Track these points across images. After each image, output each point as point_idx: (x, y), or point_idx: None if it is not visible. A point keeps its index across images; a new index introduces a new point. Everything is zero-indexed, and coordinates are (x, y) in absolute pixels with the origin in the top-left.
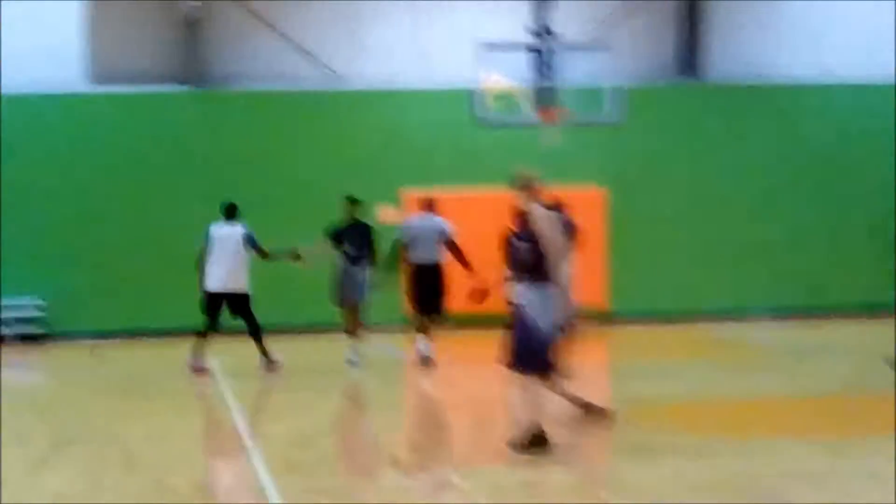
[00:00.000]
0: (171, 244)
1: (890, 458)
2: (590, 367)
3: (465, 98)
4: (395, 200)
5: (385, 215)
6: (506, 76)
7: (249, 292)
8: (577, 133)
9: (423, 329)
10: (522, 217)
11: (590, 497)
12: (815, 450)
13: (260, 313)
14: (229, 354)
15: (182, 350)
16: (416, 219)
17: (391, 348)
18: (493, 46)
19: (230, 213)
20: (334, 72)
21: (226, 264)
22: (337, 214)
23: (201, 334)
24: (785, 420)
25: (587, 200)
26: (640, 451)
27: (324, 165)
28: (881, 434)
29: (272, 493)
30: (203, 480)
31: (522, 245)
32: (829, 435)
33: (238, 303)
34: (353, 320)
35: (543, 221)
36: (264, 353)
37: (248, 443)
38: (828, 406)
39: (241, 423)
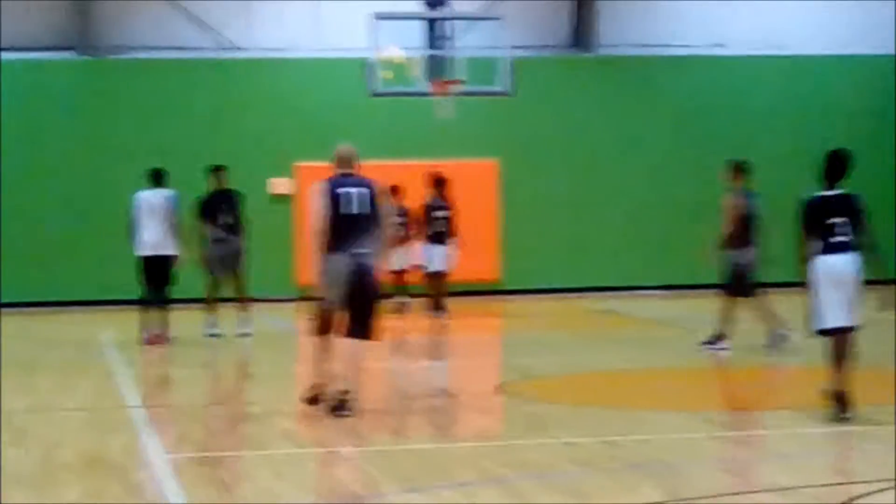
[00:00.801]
0: (61, 214)
1: (768, 429)
2: (480, 340)
3: (359, 68)
4: (288, 172)
5: (277, 187)
6: (399, 46)
7: (177, 255)
8: (469, 104)
9: None
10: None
11: (479, 469)
12: (697, 420)
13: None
14: (118, 327)
15: (72, 323)
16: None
17: (279, 320)
18: (386, 16)
19: (157, 179)
20: (227, 40)
21: (154, 230)
22: (231, 184)
23: (144, 304)
24: (671, 392)
25: (480, 172)
26: (528, 423)
27: (215, 135)
28: (763, 407)
29: (163, 466)
30: (93, 454)
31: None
32: (711, 406)
33: (163, 266)
34: (234, 290)
35: (314, 195)
36: (164, 324)
37: (138, 415)
38: (712, 378)
39: (131, 396)
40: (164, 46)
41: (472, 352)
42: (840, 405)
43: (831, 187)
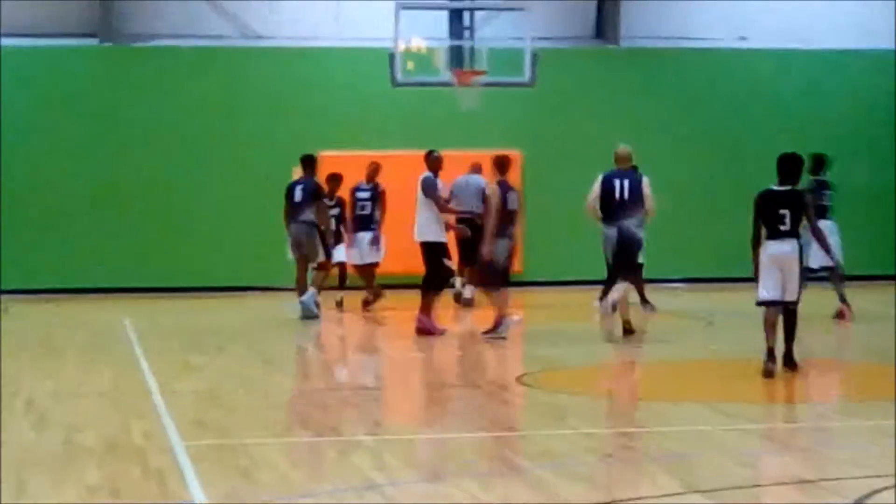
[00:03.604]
0: (83, 202)
1: (784, 422)
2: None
3: (382, 58)
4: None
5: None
6: (422, 36)
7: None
8: (492, 95)
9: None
10: None
11: (498, 459)
12: (715, 413)
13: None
14: (138, 313)
15: (94, 309)
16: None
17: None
18: (409, 6)
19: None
20: (250, 28)
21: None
22: (244, 174)
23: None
24: (689, 383)
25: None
26: (547, 412)
27: (238, 123)
28: (779, 401)
29: (181, 452)
30: (113, 438)
31: None
32: (730, 398)
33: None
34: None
35: None
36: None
37: (159, 401)
38: (731, 370)
39: (151, 381)
40: (186, 34)
41: (493, 342)
42: (771, 359)
43: (782, 184)
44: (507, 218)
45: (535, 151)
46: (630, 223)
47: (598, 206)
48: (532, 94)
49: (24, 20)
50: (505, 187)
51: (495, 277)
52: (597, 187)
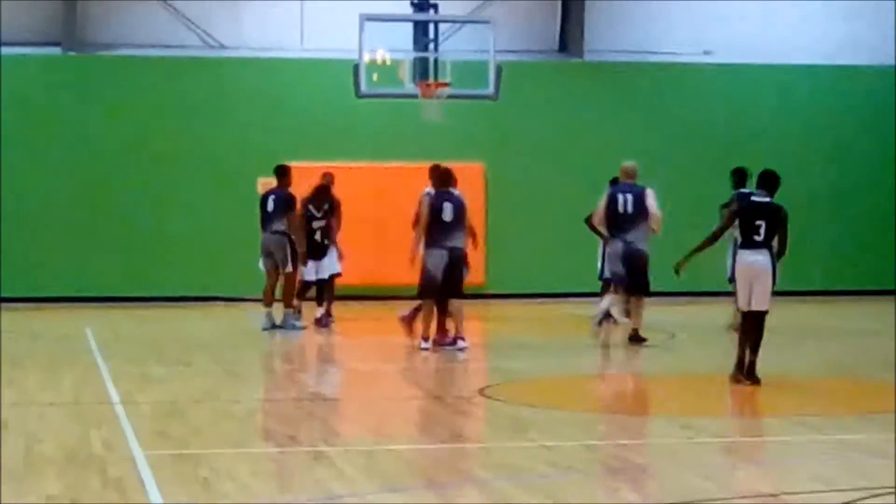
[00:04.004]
0: (44, 210)
1: (744, 435)
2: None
3: (346, 69)
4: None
5: (266, 187)
6: (387, 48)
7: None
8: (456, 107)
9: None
10: None
11: (457, 471)
12: (676, 426)
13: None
14: (101, 323)
15: (55, 318)
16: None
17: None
18: (373, 17)
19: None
20: (214, 39)
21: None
22: (208, 184)
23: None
24: (652, 396)
25: (466, 175)
26: (509, 426)
27: (203, 134)
28: (738, 414)
29: (142, 462)
30: (73, 448)
31: None
32: (689, 412)
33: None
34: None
35: None
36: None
37: (120, 410)
38: (689, 384)
39: (113, 391)
40: (150, 44)
41: (455, 354)
42: (739, 369)
43: (764, 195)
44: (441, 228)
45: (498, 164)
46: (635, 236)
47: (604, 221)
48: (496, 106)
49: None
50: (442, 197)
51: (430, 288)
52: (602, 202)
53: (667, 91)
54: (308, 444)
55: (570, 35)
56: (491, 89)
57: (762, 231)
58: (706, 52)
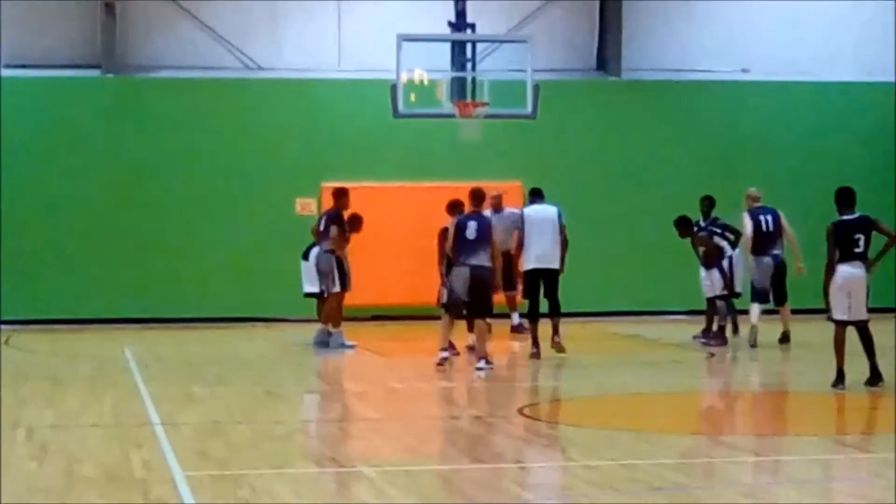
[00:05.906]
0: (85, 232)
1: (784, 453)
2: (506, 362)
3: (383, 89)
4: (314, 192)
5: (303, 208)
6: (424, 68)
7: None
8: (494, 126)
9: None
10: None
11: (499, 491)
12: (717, 445)
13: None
14: (140, 343)
15: (95, 339)
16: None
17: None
18: (411, 38)
19: (539, 195)
20: (251, 60)
21: (542, 244)
22: (247, 205)
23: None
24: (690, 415)
25: (505, 195)
26: (550, 446)
27: (241, 155)
28: (784, 432)
29: (182, 483)
30: (114, 469)
31: None
32: (732, 431)
33: (551, 280)
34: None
35: None
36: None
37: (160, 431)
38: (733, 402)
39: (153, 412)
40: (188, 66)
41: (496, 374)
42: (840, 380)
43: (850, 212)
44: (464, 246)
45: (535, 183)
46: (779, 253)
47: (751, 240)
48: (534, 125)
49: (28, 52)
50: (469, 217)
51: (452, 305)
52: (749, 223)
53: (704, 109)
54: (348, 464)
55: (607, 53)
56: (529, 108)
57: (861, 243)
58: (744, 70)
